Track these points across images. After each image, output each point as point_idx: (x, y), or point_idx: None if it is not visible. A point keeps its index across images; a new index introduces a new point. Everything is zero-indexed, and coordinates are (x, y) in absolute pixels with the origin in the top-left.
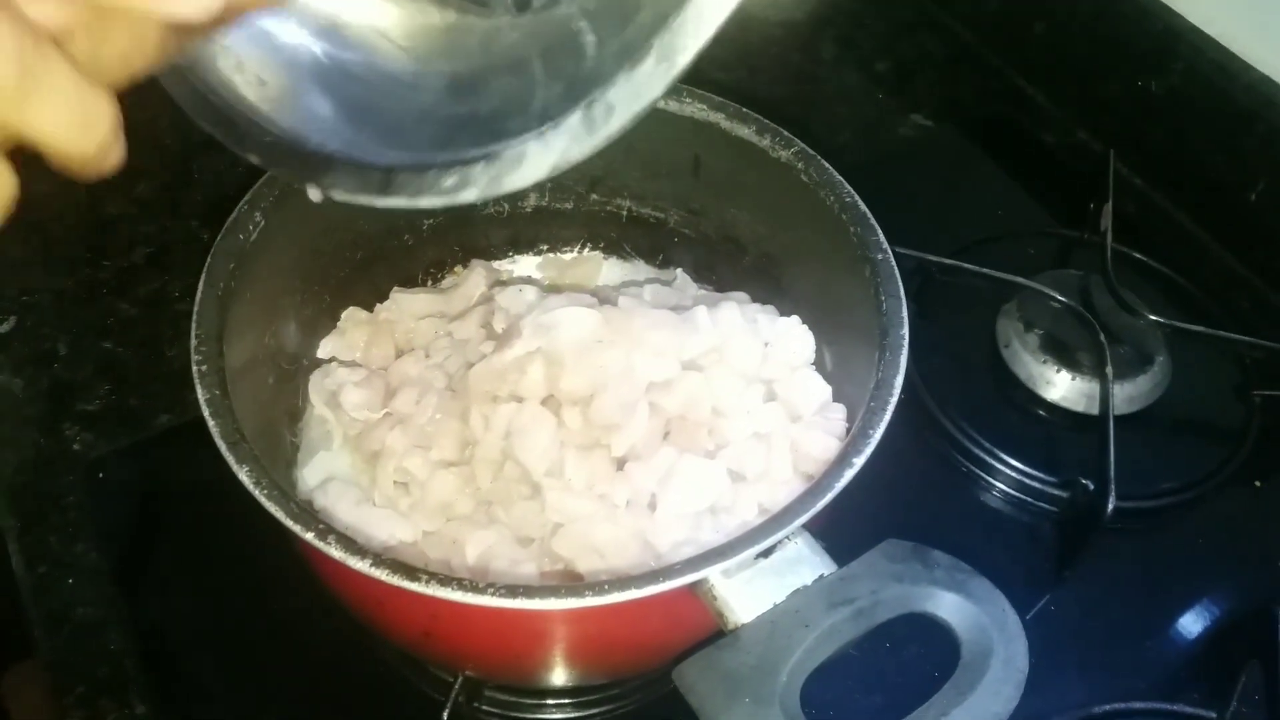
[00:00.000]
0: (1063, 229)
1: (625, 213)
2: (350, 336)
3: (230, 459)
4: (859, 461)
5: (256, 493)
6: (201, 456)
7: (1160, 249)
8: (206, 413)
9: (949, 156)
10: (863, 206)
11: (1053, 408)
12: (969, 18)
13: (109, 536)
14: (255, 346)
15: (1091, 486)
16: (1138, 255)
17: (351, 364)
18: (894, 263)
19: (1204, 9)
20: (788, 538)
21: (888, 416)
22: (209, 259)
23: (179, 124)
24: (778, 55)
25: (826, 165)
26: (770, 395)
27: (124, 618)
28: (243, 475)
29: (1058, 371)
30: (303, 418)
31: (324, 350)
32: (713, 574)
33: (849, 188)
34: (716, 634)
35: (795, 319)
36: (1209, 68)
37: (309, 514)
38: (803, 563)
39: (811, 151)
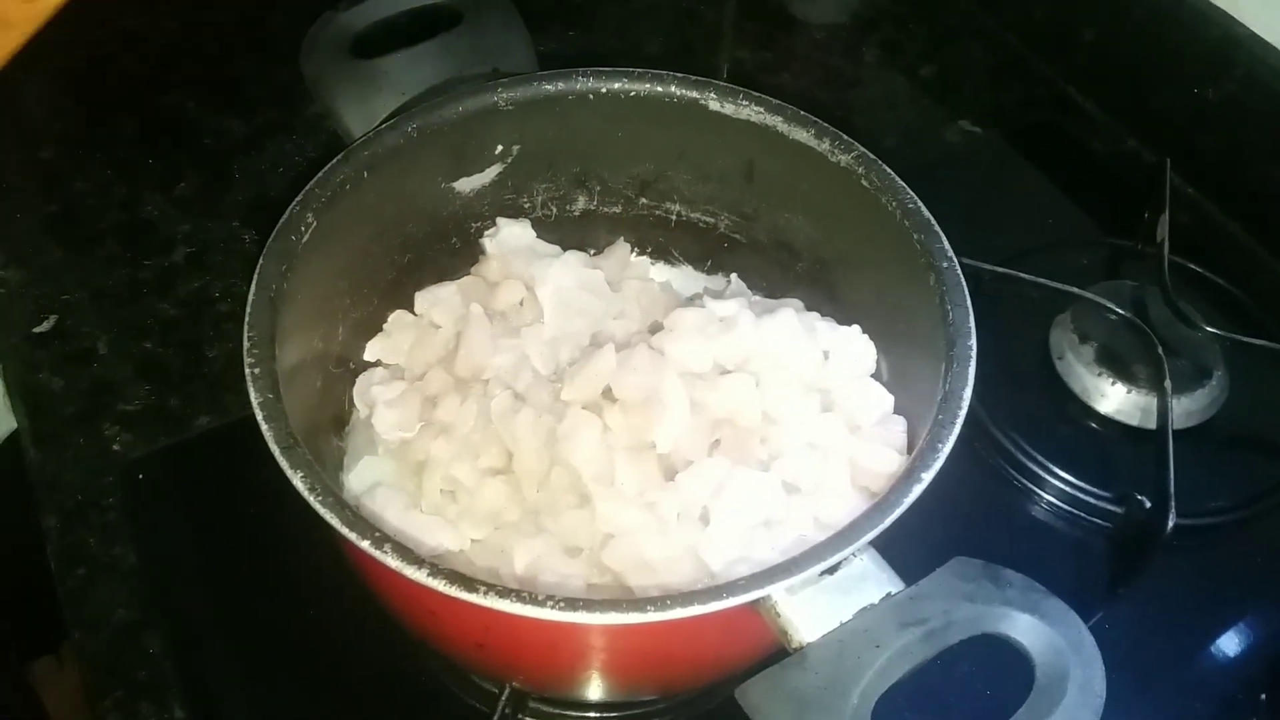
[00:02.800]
0: (1114, 239)
1: (675, 217)
2: (396, 339)
3: (284, 464)
4: (927, 477)
5: (311, 499)
6: (242, 459)
7: (1215, 260)
8: (260, 416)
9: (995, 163)
10: (926, 213)
11: (1107, 421)
12: (1016, 23)
13: (148, 538)
14: (304, 349)
15: (1147, 502)
16: (1192, 266)
17: (394, 368)
18: (960, 271)
19: (1266, 16)
20: (854, 554)
21: (956, 430)
22: (261, 261)
23: (218, 124)
24: (821, 59)
25: (888, 170)
26: (828, 405)
27: (163, 621)
28: (297, 481)
29: (1112, 384)
30: (349, 421)
31: (370, 353)
32: (776, 591)
33: (912, 194)
34: (776, 652)
35: (855, 328)
36: (1269, 76)
37: (364, 521)
38: (869, 580)
39: (872, 156)
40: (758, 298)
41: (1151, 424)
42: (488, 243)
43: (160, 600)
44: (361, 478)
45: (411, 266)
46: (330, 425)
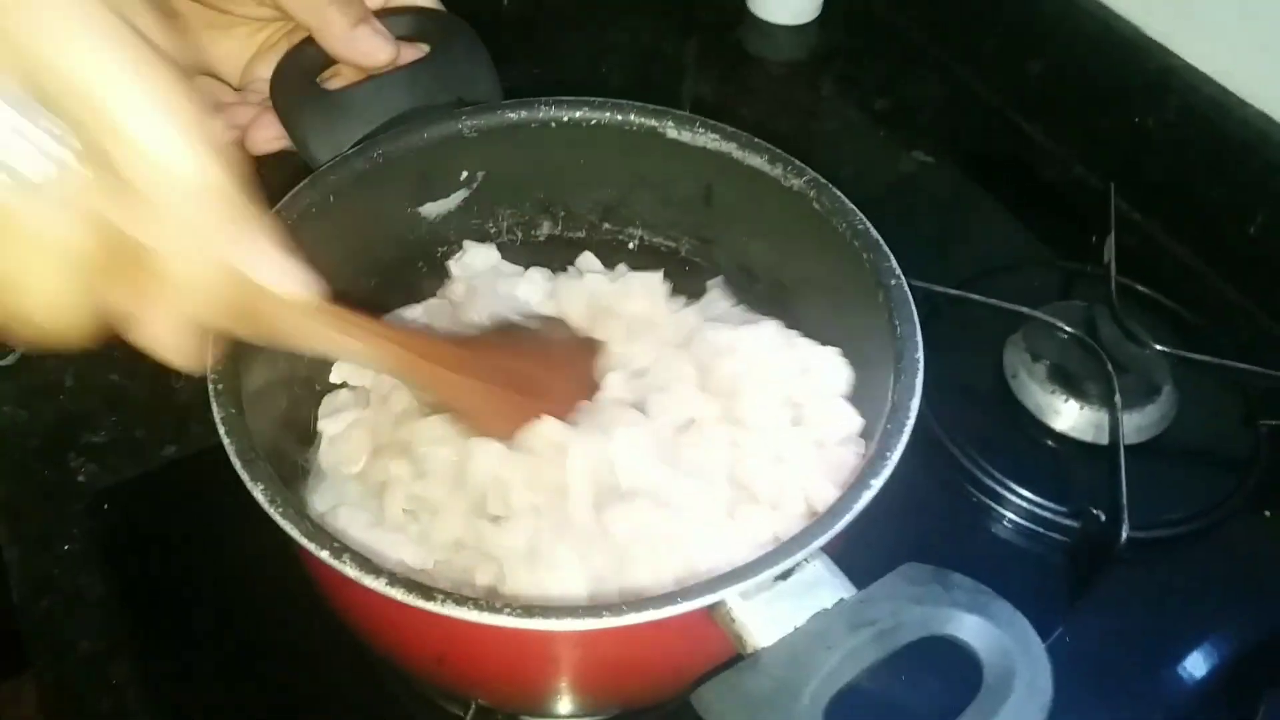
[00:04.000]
0: (1064, 261)
1: (637, 242)
2: None
3: (245, 476)
4: (877, 483)
5: (272, 510)
6: (208, 488)
7: (1161, 281)
8: (222, 430)
9: (950, 192)
10: (875, 233)
11: (1061, 438)
12: (967, 57)
13: (114, 568)
14: (270, 371)
15: (1102, 516)
16: (1139, 287)
17: (360, 391)
18: (907, 288)
19: (1199, 47)
20: (806, 560)
21: (904, 439)
22: None
23: None
24: (779, 92)
25: (838, 193)
26: (798, 420)
27: (128, 651)
28: (258, 493)
29: (1065, 401)
30: (313, 443)
31: (336, 375)
32: (730, 596)
33: (860, 215)
34: (733, 660)
35: (835, 350)
36: (1204, 104)
37: (324, 532)
38: (822, 585)
39: (823, 180)
40: (738, 310)
41: (1104, 439)
42: (454, 266)
43: (126, 630)
44: (325, 498)
45: (378, 290)
46: (295, 447)
